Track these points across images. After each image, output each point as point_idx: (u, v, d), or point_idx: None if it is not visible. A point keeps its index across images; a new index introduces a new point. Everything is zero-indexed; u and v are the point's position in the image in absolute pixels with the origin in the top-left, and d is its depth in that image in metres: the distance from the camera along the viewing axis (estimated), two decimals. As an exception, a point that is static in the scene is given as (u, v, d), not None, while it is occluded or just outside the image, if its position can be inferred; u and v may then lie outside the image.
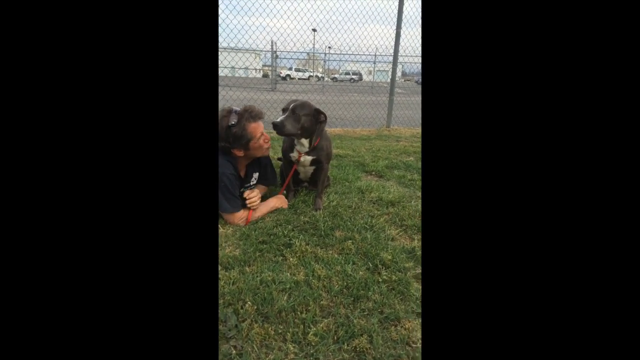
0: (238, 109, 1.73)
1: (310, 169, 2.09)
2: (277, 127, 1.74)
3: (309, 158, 2.00)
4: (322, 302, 1.18)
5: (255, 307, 1.14)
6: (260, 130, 1.75)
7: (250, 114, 1.70)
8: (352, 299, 1.21)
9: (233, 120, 1.67)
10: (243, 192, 1.89)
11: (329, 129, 4.95)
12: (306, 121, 1.81)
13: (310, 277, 1.31)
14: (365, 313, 1.14)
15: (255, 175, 2.01)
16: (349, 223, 1.81)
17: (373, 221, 1.84)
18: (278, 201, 1.99)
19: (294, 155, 2.01)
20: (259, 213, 1.84)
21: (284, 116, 1.78)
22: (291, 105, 1.80)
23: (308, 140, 1.93)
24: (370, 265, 1.42)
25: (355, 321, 1.10)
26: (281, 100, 7.62)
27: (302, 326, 1.06)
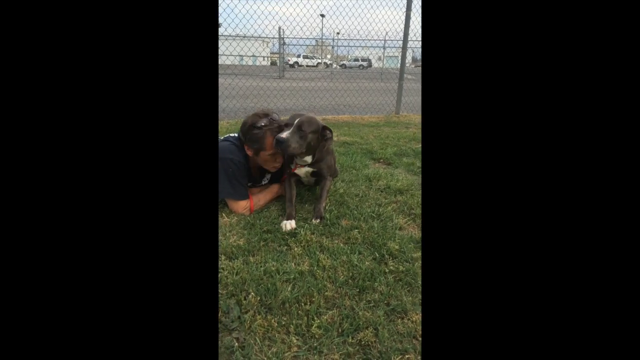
0: (277, 117, 1.70)
1: (312, 179, 1.95)
2: (282, 144, 1.56)
3: (309, 170, 1.84)
4: (326, 293, 1.15)
5: (259, 298, 1.11)
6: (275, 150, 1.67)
7: (275, 130, 1.64)
8: (358, 290, 1.18)
9: (260, 123, 1.63)
10: (250, 186, 1.86)
11: (337, 116, 4.88)
12: (313, 139, 1.66)
13: (315, 268, 1.28)
14: (371, 305, 1.11)
15: (268, 176, 1.98)
16: (355, 212, 1.76)
17: (380, 210, 1.80)
18: (281, 188, 1.96)
19: (291, 166, 1.87)
20: (262, 201, 1.82)
21: (289, 132, 1.59)
22: (296, 121, 1.62)
23: (311, 156, 1.78)
24: (377, 255, 1.38)
25: (360, 313, 1.07)
26: (288, 88, 7.55)
27: (305, 318, 1.04)
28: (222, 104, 5.27)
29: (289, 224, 1.59)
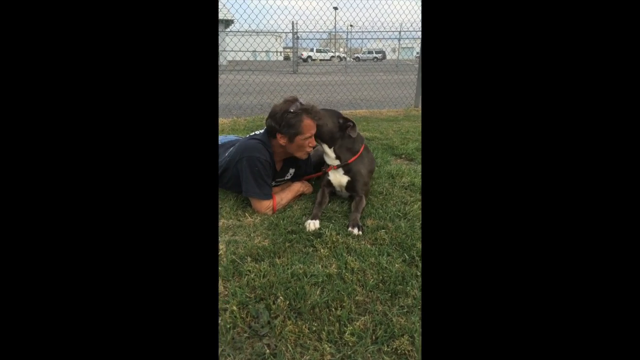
0: (303, 101, 1.69)
1: (346, 194, 1.88)
2: None
3: (344, 179, 1.80)
4: (357, 298, 1.11)
5: (288, 303, 1.08)
6: (312, 132, 1.68)
7: (311, 112, 1.65)
8: (390, 294, 1.13)
9: (294, 108, 1.63)
10: (275, 185, 1.84)
11: (354, 110, 4.80)
12: (327, 121, 1.75)
13: (343, 270, 1.24)
14: (405, 310, 1.07)
15: (291, 171, 1.94)
16: (380, 211, 1.72)
17: (406, 208, 1.74)
18: (302, 186, 1.92)
19: (324, 166, 1.90)
20: (285, 200, 1.78)
21: None
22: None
23: (332, 149, 1.80)
24: (407, 257, 1.33)
25: (394, 319, 1.02)
26: (303, 83, 7.49)
27: (337, 324, 1.00)
28: (239, 101, 5.26)
29: (312, 224, 1.56)
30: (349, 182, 1.82)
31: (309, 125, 1.65)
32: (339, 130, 1.79)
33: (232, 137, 2.25)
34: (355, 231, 1.51)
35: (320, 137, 1.76)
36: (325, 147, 1.80)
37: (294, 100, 1.67)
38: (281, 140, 1.68)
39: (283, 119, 1.63)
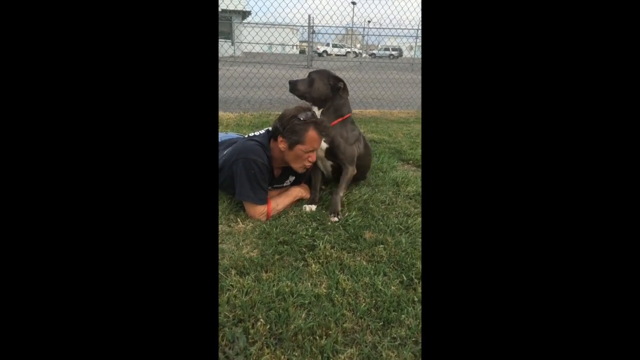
0: (316, 113, 1.65)
1: (328, 164, 1.86)
2: (290, 84, 1.80)
3: (323, 145, 1.75)
4: (345, 325, 1.01)
5: (268, 327, 0.99)
6: (315, 146, 1.61)
7: (319, 125, 1.60)
8: (382, 322, 1.03)
9: (304, 116, 1.57)
10: (271, 189, 1.76)
11: (365, 110, 4.67)
12: (319, 85, 1.76)
13: (334, 291, 1.14)
14: (397, 343, 0.96)
15: (291, 178, 1.86)
16: (381, 223, 1.61)
17: (409, 221, 1.63)
18: (302, 191, 1.82)
19: None
20: (281, 206, 1.69)
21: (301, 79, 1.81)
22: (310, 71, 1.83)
23: (321, 112, 1.80)
24: (404, 278, 1.23)
25: (384, 354, 0.92)
26: (316, 78, 7.35)
27: (320, 357, 0.90)
28: (247, 94, 5.17)
29: (309, 207, 1.61)
30: (328, 150, 1.77)
31: (312, 138, 1.57)
32: (330, 91, 1.78)
33: (232, 135, 2.16)
34: (334, 219, 1.60)
35: (311, 98, 1.77)
36: (315, 109, 1.77)
37: (308, 109, 1.62)
38: (281, 144, 1.60)
39: (289, 123, 1.56)
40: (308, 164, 1.65)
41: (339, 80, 1.77)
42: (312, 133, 1.56)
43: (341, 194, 1.73)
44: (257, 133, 1.73)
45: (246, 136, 1.76)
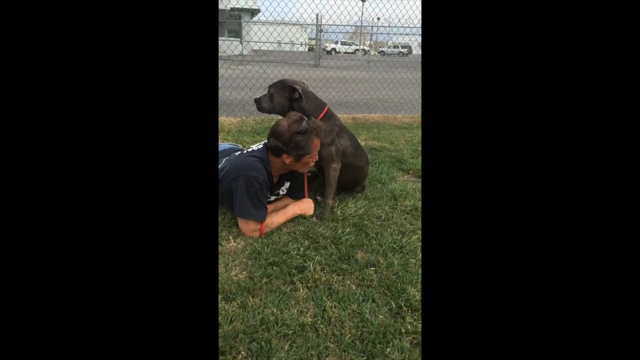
0: (307, 119, 1.62)
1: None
2: (255, 102, 1.86)
3: None
4: (328, 359, 0.99)
5: (249, 360, 0.97)
6: (318, 149, 1.66)
7: (318, 131, 1.62)
8: (366, 356, 1.00)
9: (302, 129, 1.57)
10: (271, 201, 1.75)
11: (369, 115, 4.61)
12: (278, 99, 1.82)
13: (319, 320, 1.12)
14: (379, 380, 0.94)
15: (287, 184, 1.85)
16: (374, 241, 1.58)
17: (403, 240, 1.60)
18: (301, 207, 1.80)
19: None
20: (275, 224, 1.67)
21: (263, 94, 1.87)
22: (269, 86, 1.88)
23: None
24: (393, 305, 1.20)
25: (364, 393, 0.90)
26: (323, 78, 7.31)
27: (298, 395, 0.88)
28: (250, 93, 5.16)
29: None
30: None
31: (317, 145, 1.64)
32: (289, 102, 1.82)
33: (226, 145, 2.14)
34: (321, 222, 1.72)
35: (275, 112, 1.84)
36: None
37: (301, 119, 1.60)
38: (287, 159, 1.61)
39: (292, 141, 1.56)
40: (312, 164, 1.70)
41: (294, 90, 1.78)
42: (315, 141, 1.60)
43: (329, 200, 1.81)
44: (255, 147, 1.72)
45: (245, 151, 1.74)
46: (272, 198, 1.82)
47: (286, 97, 1.81)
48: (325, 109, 1.86)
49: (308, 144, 1.57)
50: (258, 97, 1.86)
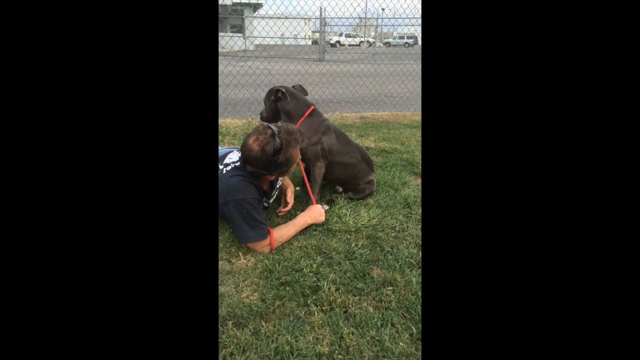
0: (276, 128, 1.50)
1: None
2: (260, 115, 2.00)
3: None
4: (347, 395, 0.93)
5: (264, 397, 0.92)
6: (299, 156, 1.60)
7: (295, 139, 1.52)
8: (387, 392, 0.94)
9: (277, 144, 1.46)
10: (268, 207, 1.71)
11: (377, 113, 4.51)
12: (267, 104, 1.95)
13: (337, 349, 1.06)
14: (403, 420, 0.88)
15: (280, 181, 1.84)
16: (390, 256, 1.51)
17: (420, 254, 1.52)
18: (311, 215, 1.72)
19: None
20: (286, 237, 1.60)
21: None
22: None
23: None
24: (414, 330, 1.13)
25: None
26: (328, 73, 7.21)
27: None
28: (258, 95, 5.09)
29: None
30: None
31: (297, 153, 1.57)
32: (277, 104, 1.89)
33: (226, 149, 2.08)
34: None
35: (275, 119, 1.92)
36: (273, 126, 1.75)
37: (272, 135, 1.46)
38: (270, 178, 1.59)
39: (271, 164, 1.47)
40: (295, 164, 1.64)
41: (278, 91, 1.86)
42: (295, 151, 1.54)
43: (313, 198, 1.85)
44: (235, 158, 1.61)
45: (224, 168, 1.59)
46: (271, 201, 1.79)
47: (272, 100, 1.90)
48: (311, 109, 1.88)
49: (289, 159, 1.50)
50: (262, 111, 2.01)
